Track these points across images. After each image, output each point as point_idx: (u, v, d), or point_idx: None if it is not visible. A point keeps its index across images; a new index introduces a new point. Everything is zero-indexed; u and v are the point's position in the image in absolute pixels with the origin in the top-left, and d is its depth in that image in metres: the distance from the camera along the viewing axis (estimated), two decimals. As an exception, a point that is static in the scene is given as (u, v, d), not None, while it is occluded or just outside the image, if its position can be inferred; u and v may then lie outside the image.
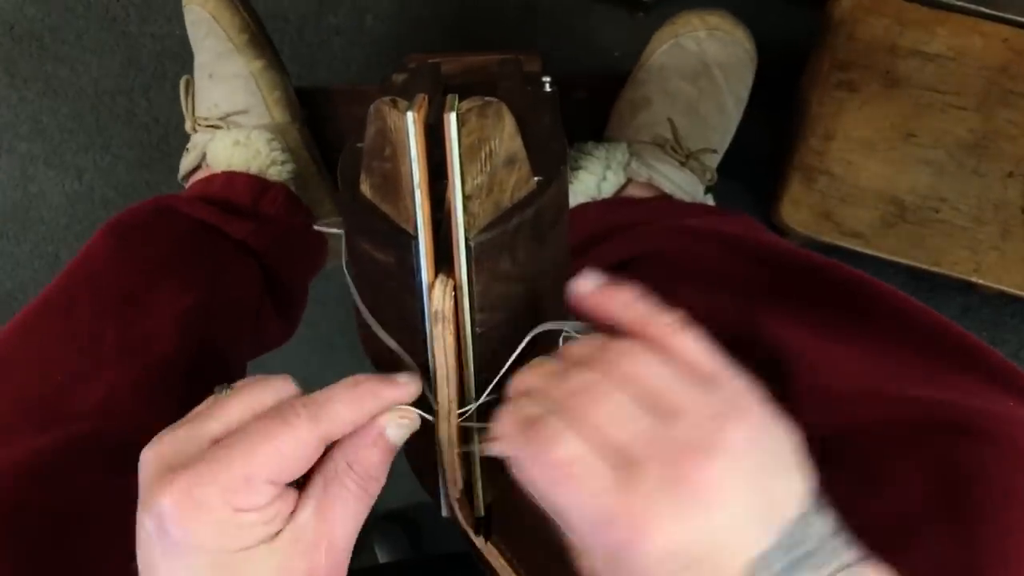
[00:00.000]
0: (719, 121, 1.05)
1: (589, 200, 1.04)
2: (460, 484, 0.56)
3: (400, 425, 0.50)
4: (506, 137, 0.47)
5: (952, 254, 1.15)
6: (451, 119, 0.44)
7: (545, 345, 0.57)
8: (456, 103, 0.45)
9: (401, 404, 0.50)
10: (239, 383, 0.50)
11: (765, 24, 1.29)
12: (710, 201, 1.06)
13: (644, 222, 0.97)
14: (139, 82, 1.41)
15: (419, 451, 0.60)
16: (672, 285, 0.86)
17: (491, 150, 0.47)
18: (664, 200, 1.02)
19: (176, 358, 0.83)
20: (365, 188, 0.51)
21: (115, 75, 1.41)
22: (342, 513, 0.48)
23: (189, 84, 1.15)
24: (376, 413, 0.49)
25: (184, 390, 0.82)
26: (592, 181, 1.03)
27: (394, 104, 0.46)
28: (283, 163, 1.09)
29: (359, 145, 0.52)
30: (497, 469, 0.59)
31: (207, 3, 1.09)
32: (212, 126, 1.10)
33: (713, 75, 1.05)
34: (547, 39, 1.35)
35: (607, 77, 1.15)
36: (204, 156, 1.09)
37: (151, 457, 0.47)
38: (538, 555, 0.60)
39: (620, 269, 0.94)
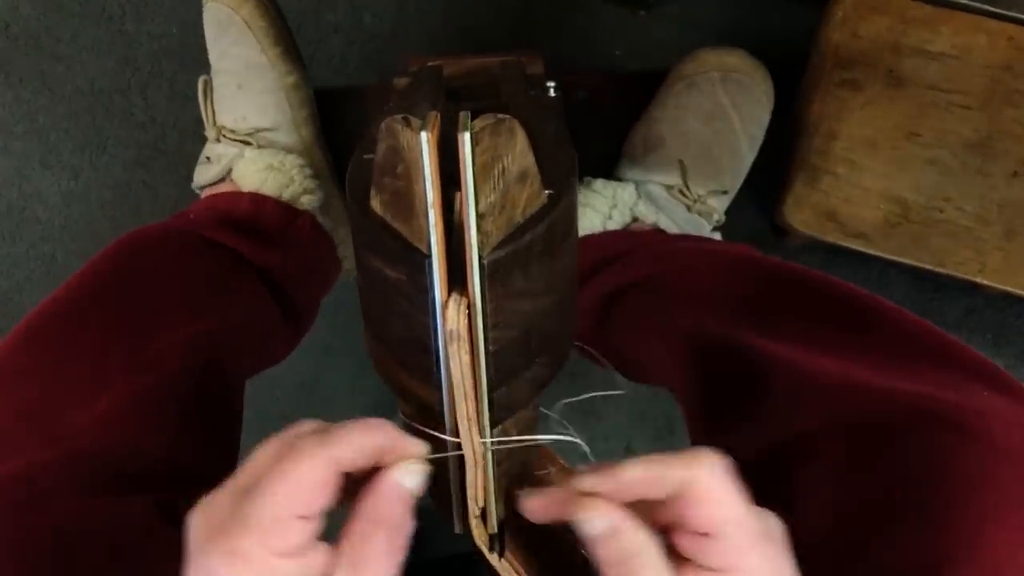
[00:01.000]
0: (732, 163, 1.05)
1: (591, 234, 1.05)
2: (481, 503, 0.56)
3: (411, 471, 0.50)
4: (518, 154, 0.47)
5: (956, 254, 1.15)
6: (465, 139, 0.44)
7: (548, 359, 0.57)
8: (469, 121, 0.45)
9: (410, 454, 0.50)
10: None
11: (767, 22, 1.28)
12: (717, 238, 1.06)
13: (641, 247, 0.98)
14: (136, 81, 1.40)
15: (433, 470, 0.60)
16: (666, 310, 0.89)
17: (504, 167, 0.47)
18: (661, 232, 1.03)
19: (181, 381, 0.83)
20: (376, 203, 0.51)
21: (111, 74, 1.40)
22: (375, 569, 0.48)
23: (208, 86, 1.12)
24: (384, 445, 0.49)
25: (185, 411, 0.82)
26: (598, 219, 1.04)
27: (407, 123, 0.45)
28: (313, 191, 1.08)
29: (367, 157, 0.52)
30: (511, 485, 0.59)
31: (241, 7, 1.06)
32: (240, 140, 1.08)
33: (728, 117, 1.04)
34: (548, 38, 1.35)
35: (608, 77, 1.15)
36: (230, 170, 1.08)
37: (195, 520, 0.47)
38: (550, 570, 0.60)
39: (619, 295, 0.95)
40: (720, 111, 1.04)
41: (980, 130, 1.13)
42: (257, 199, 1.04)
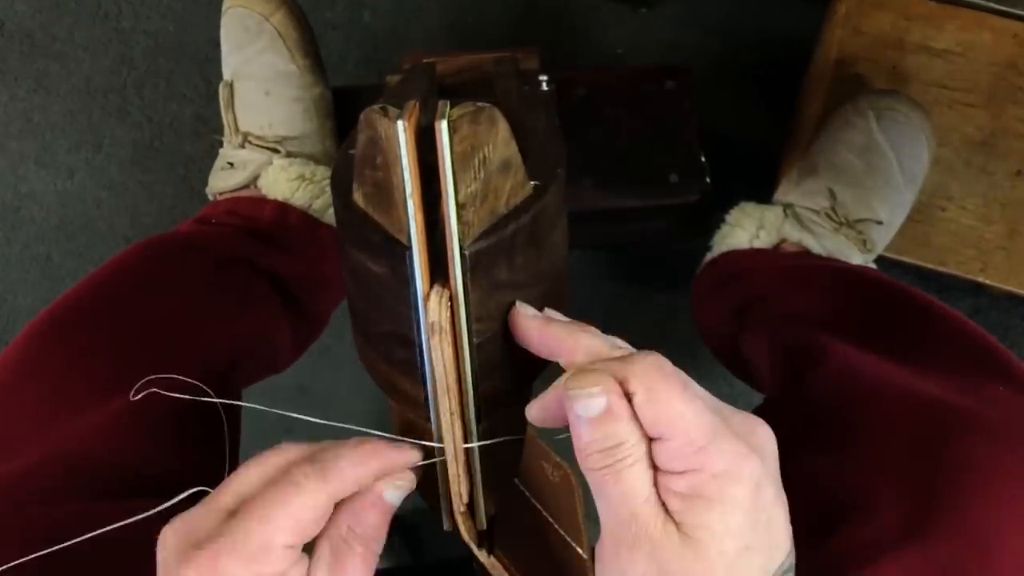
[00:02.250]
0: (887, 194, 1.05)
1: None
2: (465, 498, 0.56)
3: (397, 487, 0.51)
4: (500, 143, 0.47)
5: (958, 253, 1.15)
6: (442, 127, 0.44)
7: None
8: (447, 110, 0.45)
9: (404, 468, 0.51)
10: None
11: (769, 19, 1.28)
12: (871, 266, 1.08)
13: (765, 264, 1.03)
14: (132, 79, 1.41)
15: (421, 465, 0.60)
16: (769, 325, 0.94)
17: (485, 156, 0.46)
18: (803, 254, 1.07)
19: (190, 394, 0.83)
20: (357, 197, 0.50)
21: (107, 72, 1.41)
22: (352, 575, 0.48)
23: (230, 91, 1.09)
24: (380, 472, 0.50)
25: (191, 422, 0.82)
26: (745, 237, 1.07)
27: (384, 112, 0.45)
28: None
29: (351, 152, 0.52)
30: (499, 481, 0.58)
31: (273, 15, 1.05)
32: (268, 147, 1.06)
33: (883, 150, 1.05)
34: (549, 35, 1.35)
35: (607, 73, 1.15)
36: (255, 177, 1.07)
37: (170, 535, 0.48)
38: (542, 567, 0.60)
39: (746, 307, 0.99)
40: (875, 146, 1.05)
41: (984, 128, 1.12)
42: (280, 208, 1.04)
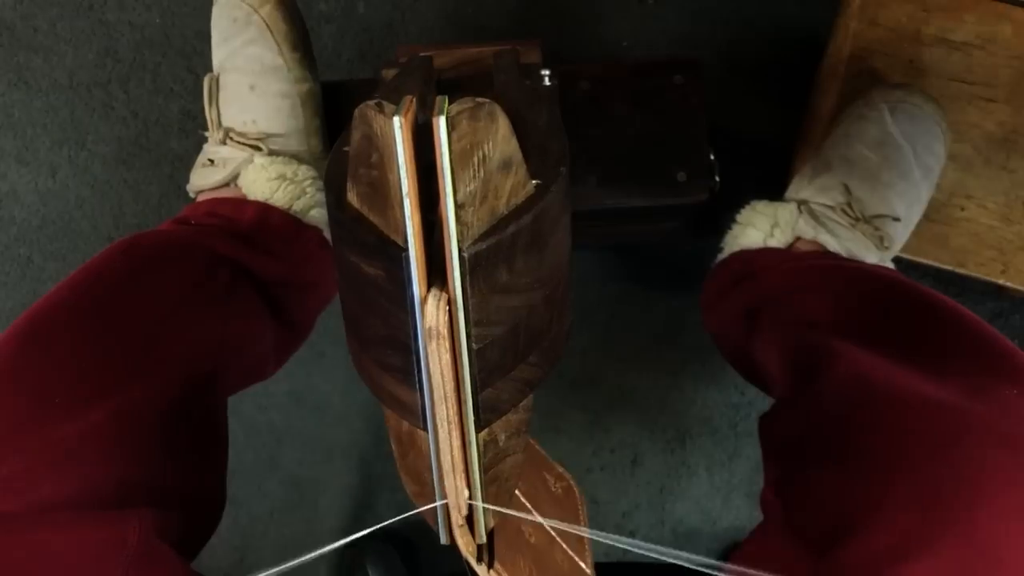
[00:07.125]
0: (903, 189, 1.06)
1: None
2: (464, 511, 0.56)
3: None
4: (500, 140, 0.47)
5: (978, 255, 1.14)
6: (440, 124, 0.44)
7: (539, 358, 0.57)
8: (445, 106, 0.45)
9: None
10: None
11: (781, 10, 1.28)
12: (889, 266, 1.08)
13: (777, 263, 1.03)
14: (117, 73, 1.41)
15: (417, 475, 0.60)
16: (781, 327, 0.95)
17: (484, 154, 0.46)
18: (819, 254, 1.07)
19: (173, 396, 0.83)
20: (352, 196, 0.50)
21: (91, 66, 1.41)
22: None
23: (214, 85, 1.09)
24: None
25: (175, 427, 0.83)
26: (759, 237, 1.07)
27: (380, 108, 0.45)
28: (323, 205, 1.06)
29: (346, 149, 0.52)
30: (498, 493, 0.58)
31: (263, 6, 1.04)
32: (249, 145, 1.06)
33: (898, 144, 1.06)
34: (551, 28, 1.35)
35: (610, 67, 1.15)
36: (235, 176, 1.06)
37: None
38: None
39: (758, 308, 1.00)
40: (890, 139, 1.06)
41: (1004, 124, 1.12)
42: (262, 209, 1.03)
